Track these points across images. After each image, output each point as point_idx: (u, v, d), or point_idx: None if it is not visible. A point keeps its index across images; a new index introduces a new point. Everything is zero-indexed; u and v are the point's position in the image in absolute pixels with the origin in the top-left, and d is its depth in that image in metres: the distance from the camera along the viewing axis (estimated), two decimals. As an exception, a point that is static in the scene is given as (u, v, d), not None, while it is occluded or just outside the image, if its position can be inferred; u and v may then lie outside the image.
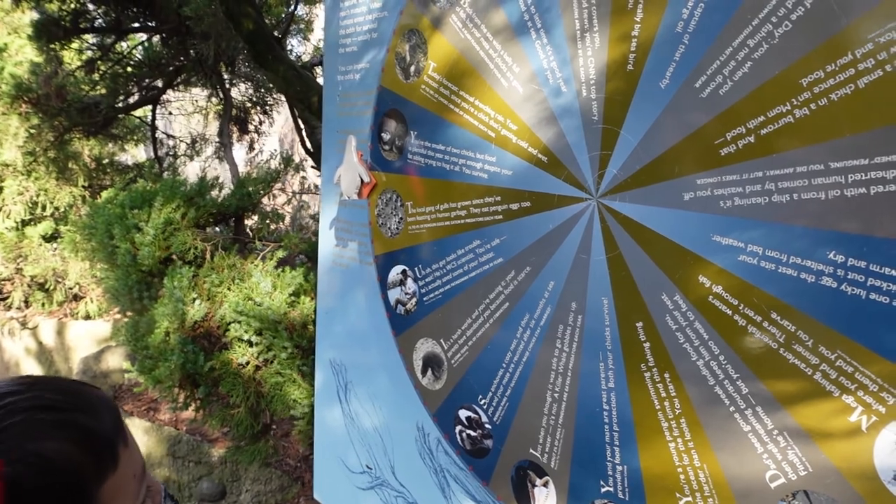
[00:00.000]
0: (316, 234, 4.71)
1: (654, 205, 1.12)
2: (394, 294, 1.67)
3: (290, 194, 5.12)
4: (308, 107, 2.94)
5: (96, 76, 5.47)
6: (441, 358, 1.54)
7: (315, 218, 5.14)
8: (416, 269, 1.60)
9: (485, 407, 1.45)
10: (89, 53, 5.48)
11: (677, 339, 1.10)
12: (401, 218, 1.62)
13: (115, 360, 4.98)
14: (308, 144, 4.73)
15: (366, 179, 1.71)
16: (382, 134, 1.67)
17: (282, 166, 3.77)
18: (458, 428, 1.52)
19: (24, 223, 6.01)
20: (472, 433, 1.48)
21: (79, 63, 5.53)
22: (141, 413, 4.69)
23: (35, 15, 5.07)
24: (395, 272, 1.66)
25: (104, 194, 4.26)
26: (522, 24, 1.31)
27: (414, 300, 1.60)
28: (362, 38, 1.89)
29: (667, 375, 1.12)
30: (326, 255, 2.06)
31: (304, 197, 5.85)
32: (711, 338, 1.06)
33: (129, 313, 3.53)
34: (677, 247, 1.09)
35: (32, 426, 0.57)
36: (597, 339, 1.22)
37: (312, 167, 4.54)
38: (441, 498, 1.66)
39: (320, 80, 3.57)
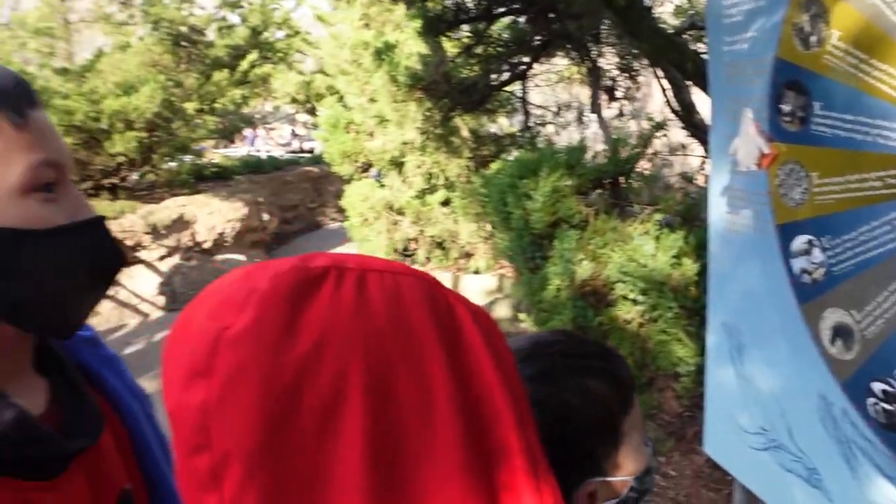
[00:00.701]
0: (686, 193, 4.73)
1: None
2: (798, 263, 1.70)
3: (655, 153, 5.18)
4: (683, 73, 3.00)
5: (472, 60, 6.12)
6: (852, 329, 1.55)
7: (683, 177, 5.14)
8: (822, 238, 1.61)
9: (904, 380, 1.43)
10: (466, 40, 6.14)
11: None
12: (805, 188, 1.65)
13: (503, 310, 5.63)
14: (674, 104, 4.74)
15: (765, 151, 1.76)
16: (782, 105, 1.70)
17: (652, 129, 3.87)
18: (871, 400, 1.52)
19: (424, 192, 7.03)
20: (889, 407, 1.48)
21: (457, 50, 6.23)
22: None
23: (405, 9, 5.84)
24: (799, 241, 1.69)
25: (493, 166, 4.80)
26: (952, -16, 1.25)
27: (822, 270, 1.63)
28: (748, 7, 1.91)
29: None
30: (718, 221, 2.14)
31: (668, 156, 5.86)
32: None
33: (523, 271, 3.99)
34: None
35: (579, 367, 0.77)
36: None
37: (681, 128, 4.55)
38: (845, 468, 1.66)
39: (692, 46, 3.58)
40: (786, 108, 1.68)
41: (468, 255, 6.81)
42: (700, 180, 4.66)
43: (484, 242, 6.36)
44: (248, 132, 17.81)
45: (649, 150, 5.43)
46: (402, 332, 0.49)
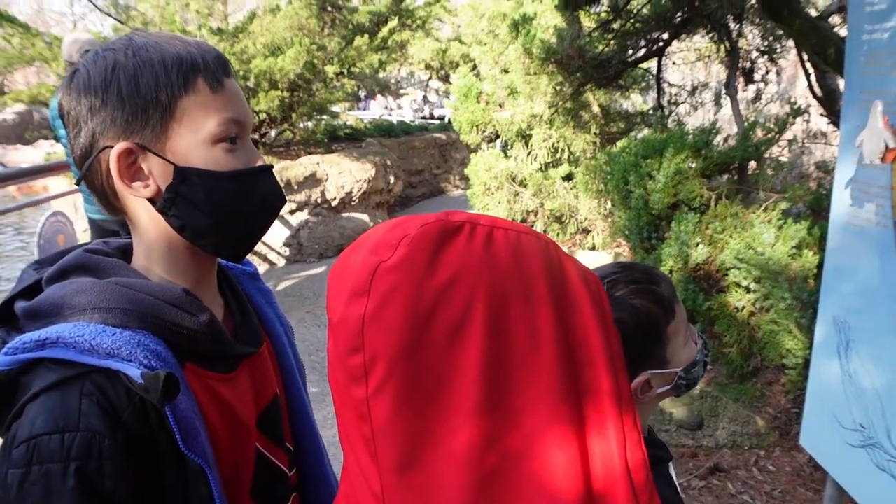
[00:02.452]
0: (819, 183, 4.53)
1: None
2: (912, 261, 1.68)
3: (793, 139, 4.97)
4: (824, 59, 2.90)
5: (609, 35, 6.04)
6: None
7: (820, 167, 4.91)
8: (940, 238, 1.59)
9: None
10: (604, 15, 6.06)
11: None
12: (927, 186, 1.62)
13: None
14: (816, 90, 4.53)
15: (891, 145, 1.73)
16: (914, 100, 1.66)
17: (789, 115, 3.74)
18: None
19: (547, 165, 7.06)
20: None
21: (594, 24, 6.16)
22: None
23: None
24: (915, 239, 1.67)
25: (619, 144, 4.78)
26: None
27: (935, 269, 1.60)
28: (896, -5, 1.86)
29: None
30: (840, 214, 2.11)
31: (807, 143, 5.58)
32: None
33: (637, 250, 4.00)
34: None
35: (630, 290, 0.98)
36: None
37: (822, 114, 4.35)
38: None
39: (836, 31, 3.42)
40: (917, 102, 1.65)
41: (586, 231, 6.80)
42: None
43: (603, 219, 6.33)
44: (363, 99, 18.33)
45: (787, 137, 5.22)
46: (518, 278, 0.61)
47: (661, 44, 5.89)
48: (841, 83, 4.02)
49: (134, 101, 0.81)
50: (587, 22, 6.28)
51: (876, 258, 1.88)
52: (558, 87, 6.23)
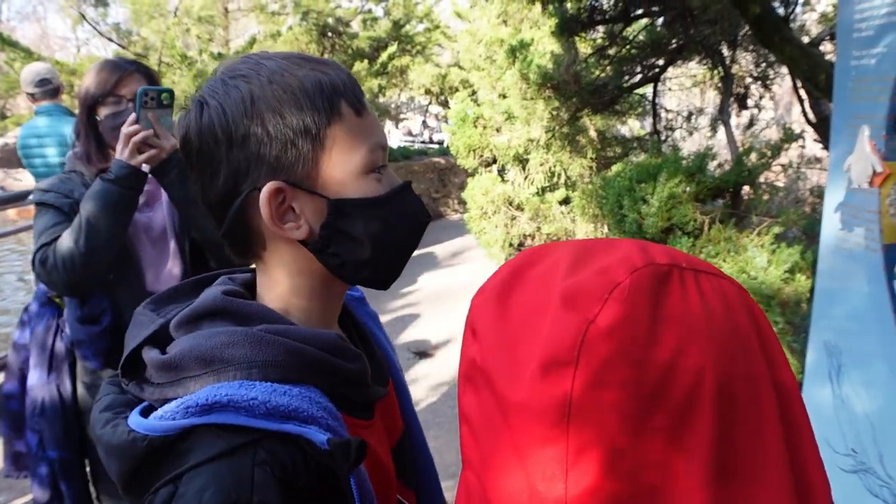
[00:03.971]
0: (814, 208, 4.54)
1: None
2: (900, 285, 1.68)
3: (788, 165, 5.00)
4: (815, 85, 2.93)
5: (605, 61, 6.11)
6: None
7: (813, 192, 4.93)
8: (927, 262, 1.59)
9: None
10: (600, 41, 6.13)
11: None
12: (914, 210, 1.62)
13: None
14: (810, 115, 4.57)
15: (878, 169, 1.74)
16: (899, 125, 1.68)
17: (782, 140, 3.77)
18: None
19: (544, 189, 7.09)
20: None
21: (590, 50, 6.23)
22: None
23: (541, 8, 5.88)
24: (903, 263, 1.67)
25: (614, 168, 4.81)
26: None
27: (923, 293, 1.60)
28: (879, 22, 1.88)
29: None
30: (830, 238, 2.11)
31: (802, 168, 5.62)
32: None
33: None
34: None
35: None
36: None
37: (815, 140, 4.38)
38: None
39: (828, 57, 3.45)
40: (902, 127, 1.66)
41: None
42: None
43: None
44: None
45: (783, 162, 5.25)
46: (735, 339, 0.49)
47: (656, 70, 5.95)
48: (834, 109, 4.05)
49: (281, 133, 0.73)
50: (583, 48, 6.35)
51: (865, 282, 1.88)
52: (555, 112, 6.27)
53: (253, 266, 0.85)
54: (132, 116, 1.70)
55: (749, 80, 5.16)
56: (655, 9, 5.31)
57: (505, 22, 7.93)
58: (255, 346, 0.71)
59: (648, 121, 6.92)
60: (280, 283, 0.80)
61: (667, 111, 6.49)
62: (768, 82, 5.05)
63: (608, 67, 6.10)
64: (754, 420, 0.47)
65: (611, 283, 0.47)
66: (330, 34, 9.42)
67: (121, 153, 1.70)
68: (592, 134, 6.99)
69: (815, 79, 2.92)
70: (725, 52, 4.80)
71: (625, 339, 0.45)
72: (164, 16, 9.14)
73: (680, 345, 0.45)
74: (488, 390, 0.51)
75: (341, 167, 0.75)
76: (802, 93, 4.45)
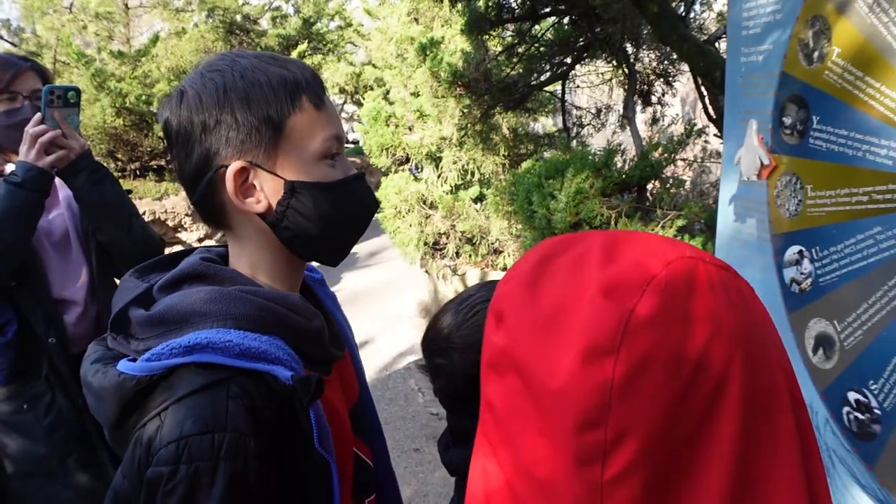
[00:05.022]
0: (716, 201, 4.71)
1: None
2: (789, 272, 1.74)
3: (692, 160, 5.17)
4: (711, 81, 3.02)
5: (515, 59, 6.17)
6: (833, 339, 1.58)
7: (715, 186, 5.12)
8: (813, 250, 1.65)
9: (875, 392, 1.47)
10: (509, 39, 6.19)
11: None
12: (800, 200, 1.68)
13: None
14: (711, 111, 4.73)
15: (765, 162, 1.79)
16: (784, 118, 1.73)
17: (685, 135, 3.88)
18: (846, 409, 1.56)
19: (458, 187, 7.10)
20: (860, 416, 1.51)
21: (500, 48, 6.29)
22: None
23: (450, 6, 5.90)
24: (791, 251, 1.73)
25: (524, 165, 4.85)
26: (941, 6, 1.28)
27: (809, 280, 1.66)
28: (765, 20, 1.94)
29: None
30: (725, 229, 2.18)
31: (706, 162, 5.83)
32: None
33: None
34: None
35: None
36: None
37: (715, 135, 4.54)
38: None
39: (724, 55, 3.58)
40: (787, 120, 1.72)
41: (497, 252, 6.86)
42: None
43: (514, 240, 6.40)
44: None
45: (689, 157, 5.43)
46: (756, 329, 0.52)
47: (564, 67, 6.05)
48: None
49: (247, 121, 0.84)
50: (494, 46, 6.40)
51: (758, 270, 1.94)
52: (466, 110, 6.29)
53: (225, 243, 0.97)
54: (37, 116, 1.62)
55: (652, 77, 5.31)
56: (562, 7, 5.40)
57: (416, 20, 7.91)
58: (229, 301, 0.83)
59: (559, 118, 7.04)
60: (248, 253, 0.92)
61: (577, 108, 6.60)
62: (671, 79, 5.21)
63: (518, 65, 6.17)
64: (769, 418, 0.50)
65: (648, 275, 0.49)
66: (237, 31, 9.16)
67: (26, 154, 1.61)
68: (505, 131, 7.05)
69: (712, 75, 3.01)
70: (629, 50, 4.91)
71: (663, 328, 0.47)
72: (58, 12, 8.69)
73: (711, 336, 0.48)
74: (517, 376, 0.52)
75: (299, 153, 0.87)
76: (703, 89, 4.60)
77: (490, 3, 5.26)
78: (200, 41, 8.54)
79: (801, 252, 1.69)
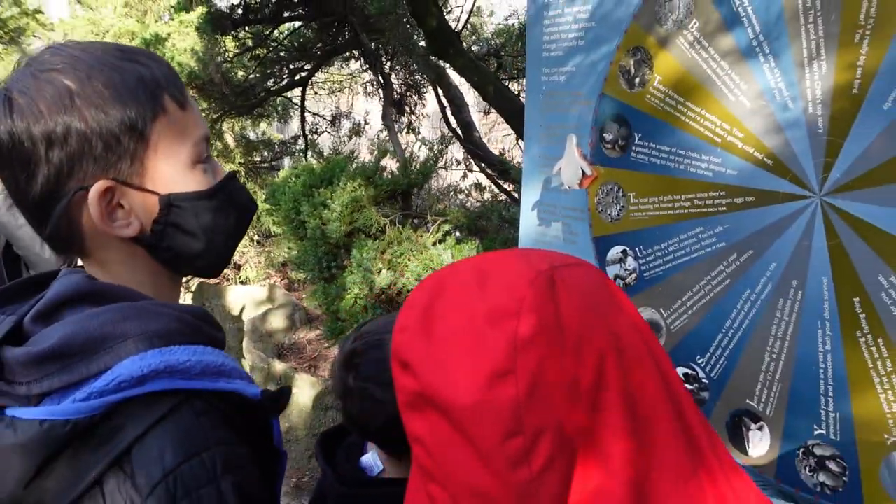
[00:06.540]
0: (464, 205, 5.08)
1: (873, 204, 1.38)
2: (612, 270, 1.99)
3: (448, 166, 5.48)
4: (484, 95, 3.27)
5: (252, 62, 6.00)
6: (660, 324, 1.85)
7: (458, 191, 5.50)
8: (636, 249, 1.91)
9: (702, 365, 1.75)
10: (248, 42, 6.00)
11: (891, 312, 1.37)
12: (622, 206, 1.93)
13: (278, 321, 5.55)
14: (453, 122, 5.09)
15: (588, 173, 2.03)
16: (605, 134, 1.97)
17: (442, 147, 4.13)
18: (676, 381, 1.84)
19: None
20: (689, 387, 1.80)
21: (237, 51, 6.06)
22: (304, 369, 5.24)
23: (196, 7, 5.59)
24: (615, 251, 1.98)
25: (281, 174, 4.74)
26: (751, 49, 1.58)
27: (634, 275, 1.92)
28: (567, 45, 2.18)
29: (880, 341, 1.40)
30: (529, 233, 2.39)
31: (455, 168, 6.22)
32: (928, 312, 1.32)
33: (317, 280, 4.00)
34: (894, 238, 1.35)
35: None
36: (815, 310, 1.50)
37: (462, 144, 4.89)
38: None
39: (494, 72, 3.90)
40: (608, 136, 1.96)
41: (237, 267, 6.58)
42: (475, 194, 5.04)
43: (256, 253, 6.21)
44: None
45: (440, 164, 5.75)
46: (613, 302, 0.61)
47: (304, 74, 6.03)
48: (476, 118, 4.55)
49: (104, 130, 0.72)
50: (229, 47, 6.14)
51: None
52: (202, 114, 5.95)
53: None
54: None
55: (404, 87, 5.55)
56: (304, 11, 5.38)
57: (127, 14, 7.24)
58: (147, 317, 0.72)
59: (294, 125, 6.97)
60: (120, 279, 0.80)
61: (314, 115, 6.61)
62: (422, 91, 5.49)
63: (256, 69, 6.00)
64: (641, 372, 0.61)
65: (519, 298, 0.57)
66: None
67: None
68: (229, 138, 6.80)
69: (484, 89, 3.25)
70: (386, 63, 5.08)
71: (544, 339, 0.56)
72: None
73: (578, 340, 0.57)
74: (435, 411, 0.59)
75: (169, 162, 0.77)
76: (445, 102, 4.93)
77: (235, 4, 5.05)
78: None
79: (624, 251, 1.94)
